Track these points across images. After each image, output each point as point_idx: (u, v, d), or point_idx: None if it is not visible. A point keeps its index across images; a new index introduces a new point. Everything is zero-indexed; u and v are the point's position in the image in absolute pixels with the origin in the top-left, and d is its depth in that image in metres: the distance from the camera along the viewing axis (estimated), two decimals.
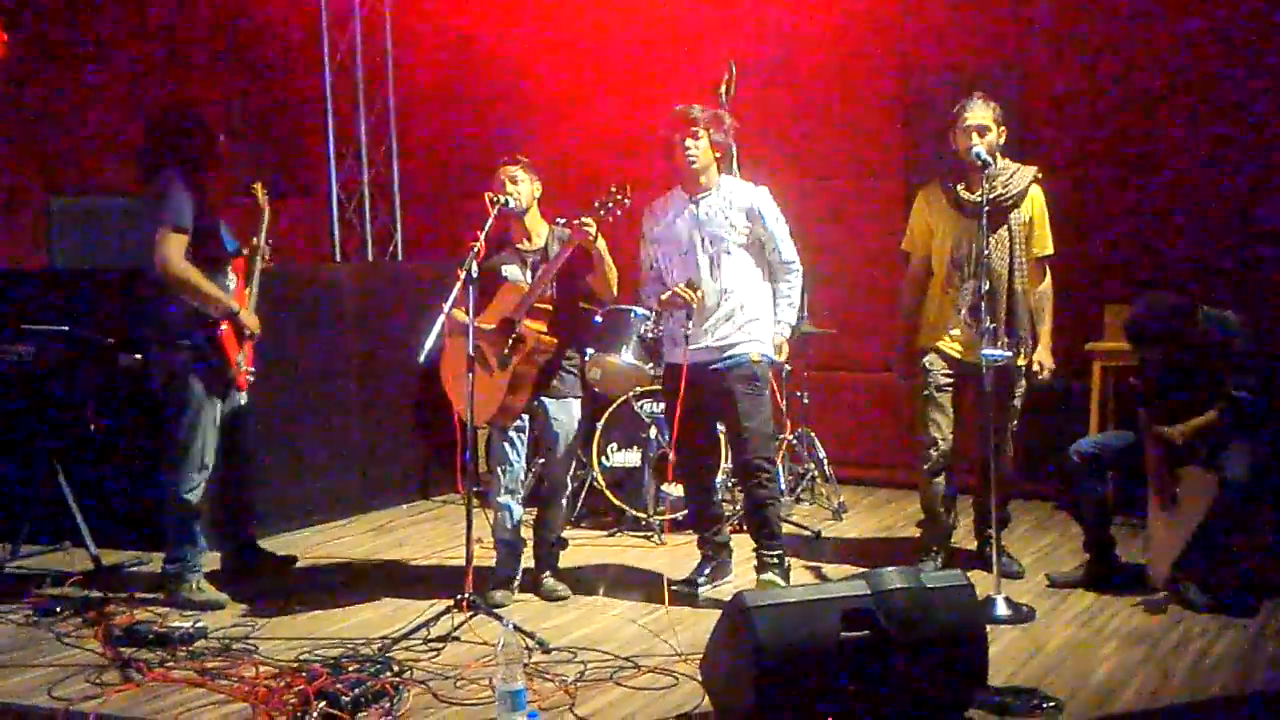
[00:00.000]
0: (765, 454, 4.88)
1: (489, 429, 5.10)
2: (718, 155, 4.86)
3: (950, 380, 5.05)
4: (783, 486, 6.46)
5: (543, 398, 4.93)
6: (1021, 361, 4.98)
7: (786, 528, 5.98)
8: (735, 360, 4.82)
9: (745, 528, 5.15)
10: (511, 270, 4.94)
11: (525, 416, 4.97)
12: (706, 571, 5.07)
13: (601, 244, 4.75)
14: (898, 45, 6.97)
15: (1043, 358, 5.04)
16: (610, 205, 4.63)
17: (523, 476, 5.09)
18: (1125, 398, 6.06)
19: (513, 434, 4.95)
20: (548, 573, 5.08)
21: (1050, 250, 5.06)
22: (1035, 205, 5.01)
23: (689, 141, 4.76)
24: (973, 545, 5.31)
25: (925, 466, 5.11)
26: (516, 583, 5.01)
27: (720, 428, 5.23)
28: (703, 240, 4.81)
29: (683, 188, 4.90)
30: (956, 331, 5.00)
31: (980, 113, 4.88)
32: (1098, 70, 6.47)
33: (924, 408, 5.07)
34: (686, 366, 4.77)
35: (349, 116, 7.99)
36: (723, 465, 5.58)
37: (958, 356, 5.02)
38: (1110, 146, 6.46)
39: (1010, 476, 5.14)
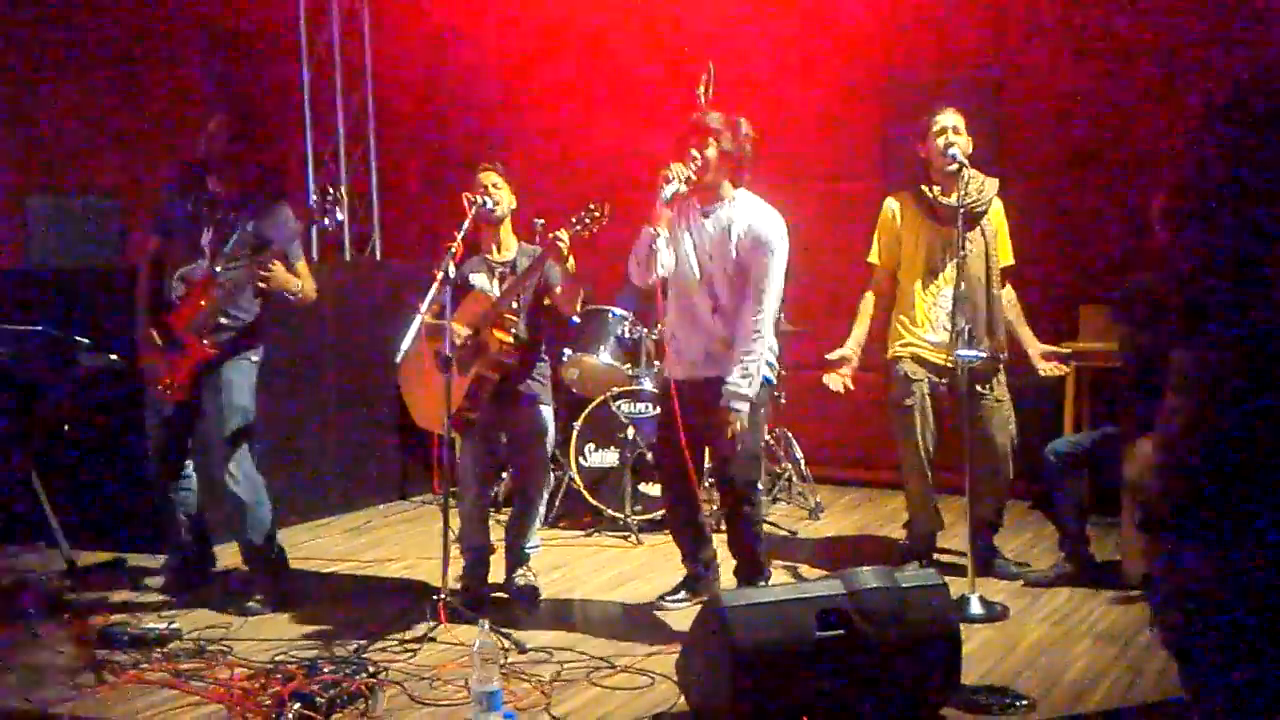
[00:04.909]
0: (754, 475, 4.75)
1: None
2: (731, 166, 4.56)
3: (930, 388, 5.08)
4: (760, 487, 6.48)
5: (507, 405, 4.92)
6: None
7: (764, 528, 6.00)
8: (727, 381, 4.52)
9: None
10: (479, 279, 4.92)
11: (494, 422, 4.94)
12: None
13: (571, 262, 4.72)
14: (877, 49, 7.01)
15: (1043, 351, 5.14)
16: (587, 221, 4.62)
17: (491, 482, 5.04)
18: (1100, 396, 6.13)
19: (480, 440, 4.93)
20: (520, 571, 5.07)
21: (1011, 261, 5.15)
22: (998, 217, 5.10)
23: (695, 153, 4.48)
24: (958, 546, 5.33)
25: (916, 476, 5.14)
26: (486, 585, 5.00)
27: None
28: (700, 254, 4.57)
29: (696, 197, 4.62)
30: (934, 338, 5.03)
31: (952, 117, 4.94)
32: (1075, 74, 6.52)
33: (907, 419, 5.07)
34: (677, 383, 4.62)
35: (327, 115, 7.97)
36: None
37: (940, 362, 5.04)
38: (1087, 149, 6.51)
39: (1009, 480, 5.17)
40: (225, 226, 4.75)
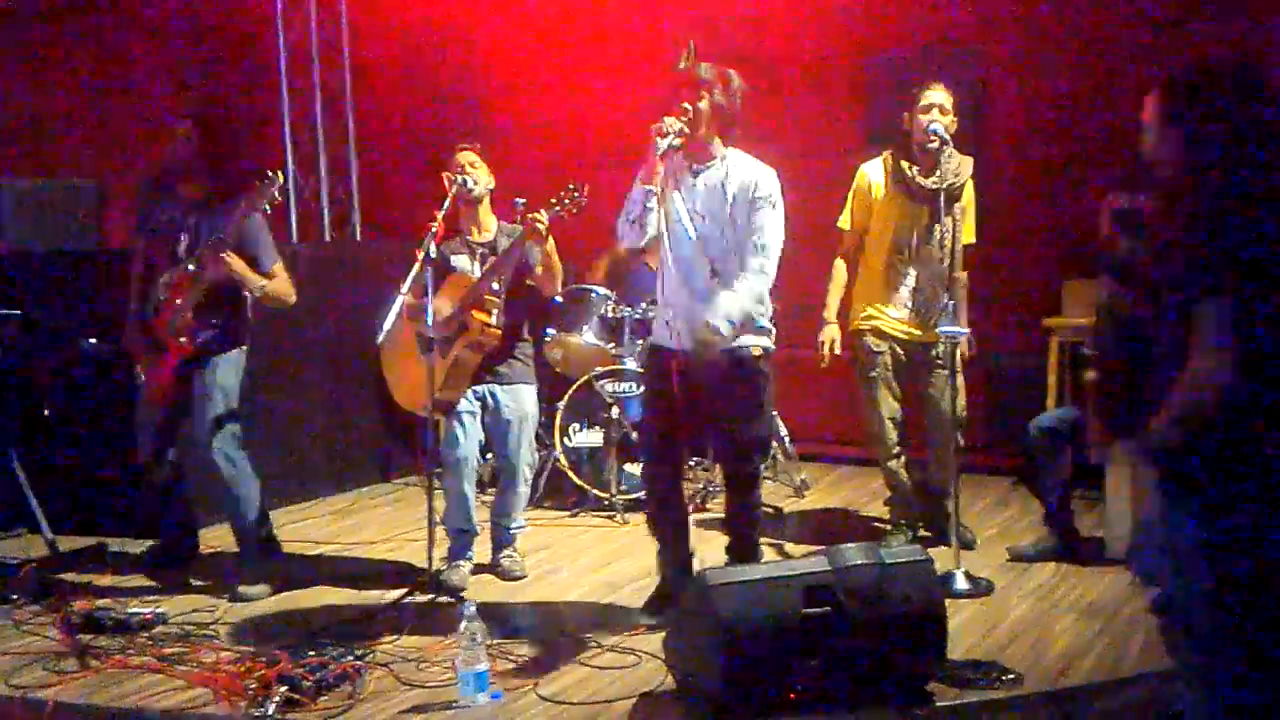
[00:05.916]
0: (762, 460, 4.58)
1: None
2: (722, 121, 4.26)
3: (893, 361, 5.09)
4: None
5: (491, 385, 4.88)
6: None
7: None
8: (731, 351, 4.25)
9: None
10: (460, 260, 4.91)
11: (477, 403, 4.92)
12: None
13: (550, 243, 4.69)
14: (858, 23, 6.98)
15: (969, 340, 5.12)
16: (567, 203, 4.58)
17: (475, 463, 5.03)
18: (1083, 372, 6.13)
19: (465, 419, 4.88)
20: (505, 552, 5.07)
21: (974, 240, 5.15)
22: (968, 194, 5.09)
23: (686, 105, 4.17)
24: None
25: (883, 448, 5.16)
26: (470, 566, 4.98)
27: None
28: (694, 215, 4.26)
29: (685, 154, 4.28)
30: (895, 313, 5.05)
31: (941, 94, 4.92)
32: (1058, 47, 6.50)
33: (872, 390, 5.10)
34: (669, 351, 4.29)
35: (304, 95, 7.90)
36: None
37: (900, 336, 5.07)
38: (1070, 123, 6.49)
39: (960, 448, 5.15)
40: (198, 231, 4.77)
